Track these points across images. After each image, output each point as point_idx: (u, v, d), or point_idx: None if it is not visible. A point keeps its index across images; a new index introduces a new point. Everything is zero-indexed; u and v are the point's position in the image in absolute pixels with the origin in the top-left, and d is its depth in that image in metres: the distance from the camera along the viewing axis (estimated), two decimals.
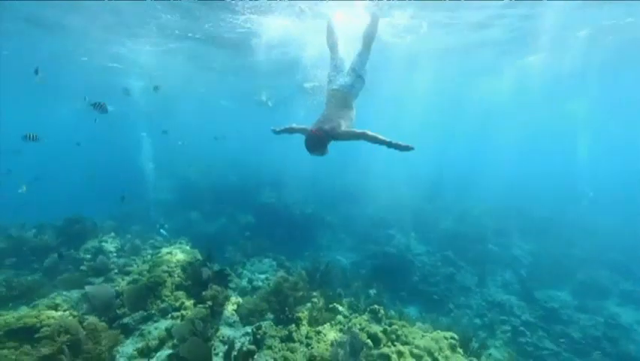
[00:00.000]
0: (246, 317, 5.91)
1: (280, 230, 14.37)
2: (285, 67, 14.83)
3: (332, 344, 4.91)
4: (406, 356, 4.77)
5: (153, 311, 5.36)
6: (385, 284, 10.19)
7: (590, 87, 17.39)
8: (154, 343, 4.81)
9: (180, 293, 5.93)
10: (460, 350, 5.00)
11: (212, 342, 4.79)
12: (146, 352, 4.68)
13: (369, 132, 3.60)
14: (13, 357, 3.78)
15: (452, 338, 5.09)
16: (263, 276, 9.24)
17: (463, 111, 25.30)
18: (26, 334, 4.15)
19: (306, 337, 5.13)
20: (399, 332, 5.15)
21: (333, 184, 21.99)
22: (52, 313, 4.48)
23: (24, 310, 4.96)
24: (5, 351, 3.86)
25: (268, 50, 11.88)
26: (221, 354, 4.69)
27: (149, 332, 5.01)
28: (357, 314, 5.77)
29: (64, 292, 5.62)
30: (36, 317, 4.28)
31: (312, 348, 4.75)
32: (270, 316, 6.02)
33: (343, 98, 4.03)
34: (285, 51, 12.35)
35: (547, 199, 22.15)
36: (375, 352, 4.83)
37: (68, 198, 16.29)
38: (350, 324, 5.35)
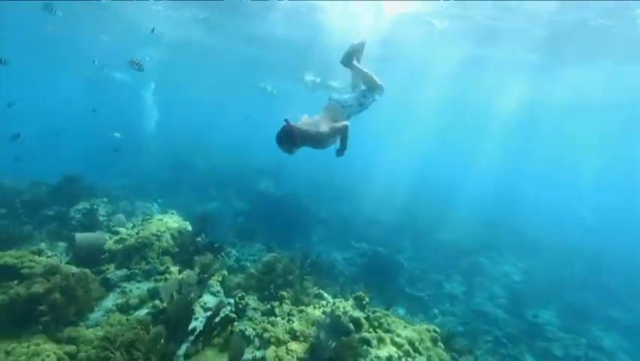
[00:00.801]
0: (231, 290, 5.85)
1: (274, 220, 14.29)
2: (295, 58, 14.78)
3: (313, 323, 4.85)
4: (386, 342, 4.71)
5: (137, 271, 5.29)
6: (373, 282, 10.11)
7: (599, 115, 17.44)
8: (134, 301, 4.75)
9: (166, 258, 5.86)
10: (442, 345, 4.94)
11: (194, 307, 4.72)
12: (125, 309, 4.61)
13: (335, 126, 3.53)
14: None
15: (435, 331, 5.03)
16: (252, 258, 9.18)
17: (469, 120, 25.19)
18: (6, 274, 4.09)
19: (289, 314, 5.07)
20: (382, 320, 5.09)
21: (331, 181, 21.95)
22: (35, 257, 4.42)
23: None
24: None
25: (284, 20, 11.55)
26: (201, 319, 4.62)
27: (131, 291, 4.94)
28: (342, 299, 5.70)
29: (49, 242, 5.55)
30: (17, 258, 4.22)
31: (292, 323, 4.68)
32: (255, 293, 5.97)
33: (334, 111, 3.82)
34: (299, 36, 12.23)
35: (545, 219, 22.14)
36: (356, 336, 4.77)
37: (74, 162, 16.14)
38: (334, 307, 5.28)
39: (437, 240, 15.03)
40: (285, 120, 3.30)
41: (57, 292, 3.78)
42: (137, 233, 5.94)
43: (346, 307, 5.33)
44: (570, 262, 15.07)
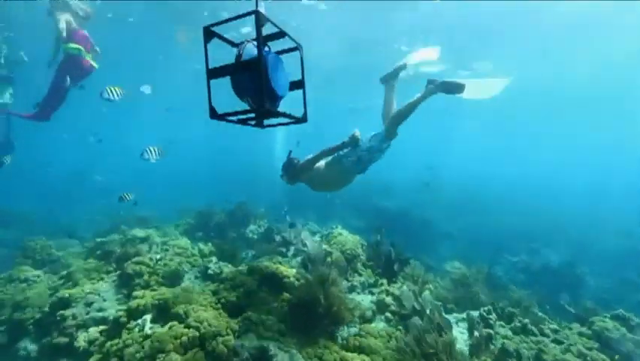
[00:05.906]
0: (441, 301, 5.40)
1: (395, 235, 13.57)
2: None
3: (589, 348, 3.95)
4: None
5: (355, 283, 5.29)
6: (549, 304, 8.25)
7: None
8: (368, 313, 4.66)
9: (369, 271, 5.79)
10: None
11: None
12: (364, 320, 4.55)
13: (324, 148, 4.00)
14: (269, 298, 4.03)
15: None
16: None
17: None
18: (270, 281, 4.45)
19: (542, 334, 4.28)
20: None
21: (448, 194, 20.22)
22: (283, 268, 4.75)
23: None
24: (263, 294, 4.15)
25: None
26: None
27: (360, 302, 4.90)
28: (602, 318, 4.63)
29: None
30: (275, 269, 4.59)
31: (572, 347, 3.88)
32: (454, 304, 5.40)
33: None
34: None
35: None
36: None
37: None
38: (604, 326, 4.28)
39: (616, 248, 12.05)
40: (290, 152, 4.31)
41: (328, 298, 3.88)
42: (339, 249, 6.04)
43: (616, 326, 4.26)
44: None
